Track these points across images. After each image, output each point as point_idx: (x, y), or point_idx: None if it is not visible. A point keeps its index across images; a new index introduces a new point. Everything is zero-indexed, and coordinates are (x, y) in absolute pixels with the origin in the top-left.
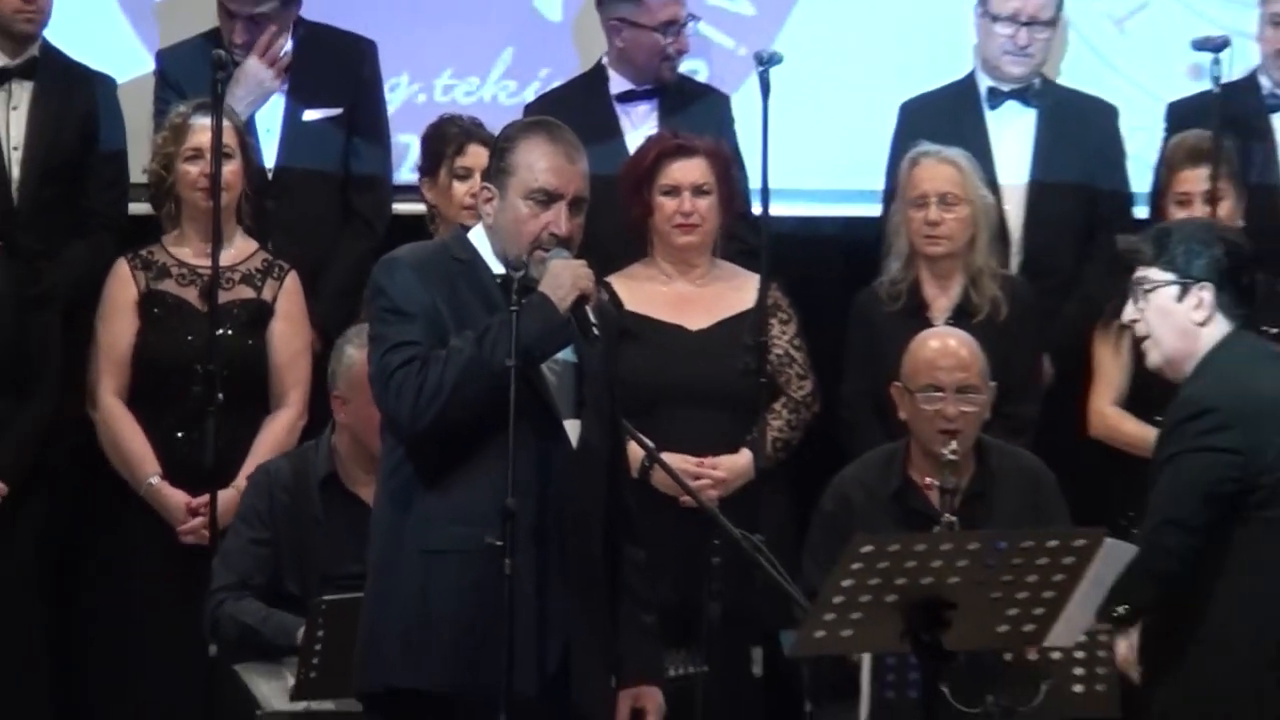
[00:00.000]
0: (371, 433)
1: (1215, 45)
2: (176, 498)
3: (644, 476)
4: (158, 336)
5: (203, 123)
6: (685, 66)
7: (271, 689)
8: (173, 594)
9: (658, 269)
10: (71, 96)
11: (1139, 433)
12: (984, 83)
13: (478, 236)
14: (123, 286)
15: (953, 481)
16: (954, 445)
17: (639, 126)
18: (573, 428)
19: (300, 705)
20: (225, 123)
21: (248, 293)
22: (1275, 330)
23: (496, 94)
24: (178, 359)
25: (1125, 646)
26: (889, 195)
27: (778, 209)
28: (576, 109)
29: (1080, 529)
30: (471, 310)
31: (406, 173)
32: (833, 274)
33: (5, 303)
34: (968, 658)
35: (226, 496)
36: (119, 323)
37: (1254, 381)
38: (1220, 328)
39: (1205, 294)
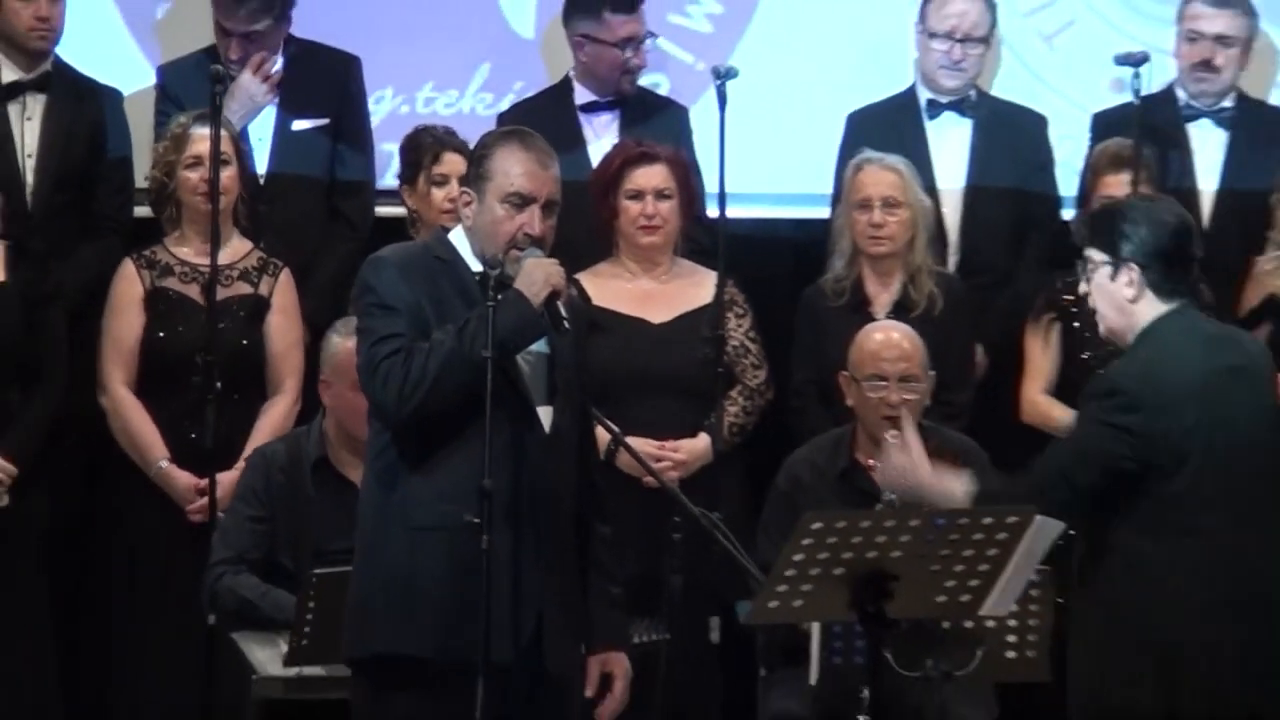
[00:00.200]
0: (349, 414)
1: (1136, 60)
2: (185, 480)
3: (610, 459)
4: (163, 330)
5: (202, 132)
6: (648, 80)
7: (266, 655)
8: (175, 568)
9: (623, 267)
10: (82, 108)
11: (1066, 419)
12: (923, 95)
13: (457, 237)
14: (129, 284)
15: None
16: (895, 430)
17: (601, 136)
18: (545, 414)
19: (293, 670)
20: (222, 132)
21: (245, 289)
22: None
23: (474, 106)
24: (182, 351)
25: None
26: (836, 199)
27: (734, 211)
28: (544, 119)
29: (1012, 507)
30: (452, 305)
31: (391, 178)
32: (785, 271)
33: (15, 300)
34: (909, 625)
35: (229, 477)
36: (127, 318)
37: (1171, 364)
38: (1153, 304)
39: (1133, 274)
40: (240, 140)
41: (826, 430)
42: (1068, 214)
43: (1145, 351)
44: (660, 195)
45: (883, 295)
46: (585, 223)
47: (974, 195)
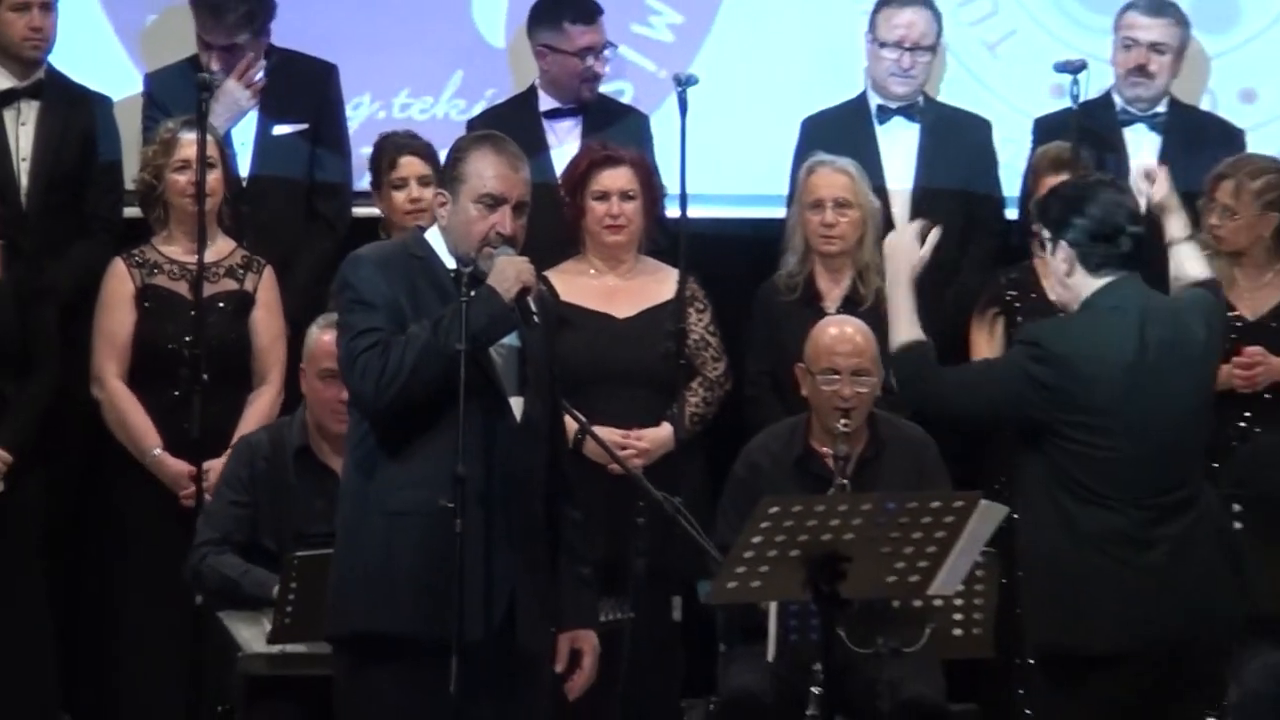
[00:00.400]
0: (314, 402)
1: (1075, 68)
2: (178, 467)
3: (578, 447)
4: (153, 325)
5: (189, 137)
6: (612, 88)
7: (251, 633)
8: (168, 552)
9: (589, 264)
10: (73, 114)
11: None
12: (874, 100)
13: (433, 236)
14: (121, 282)
15: (845, 450)
16: (847, 420)
17: (564, 142)
18: (517, 404)
19: (276, 648)
20: (208, 137)
21: (231, 285)
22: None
23: (448, 111)
24: (171, 345)
25: None
26: (790, 199)
27: (694, 211)
28: (510, 125)
29: (959, 492)
30: (428, 300)
31: (368, 181)
32: (742, 268)
33: (10, 296)
34: (861, 604)
35: (217, 465)
36: (119, 314)
37: (1102, 334)
38: (1086, 278)
39: (1065, 250)
40: (224, 144)
41: (780, 419)
42: (1011, 214)
43: (1080, 318)
44: (625, 196)
45: (834, 291)
46: (548, 222)
47: (921, 196)
